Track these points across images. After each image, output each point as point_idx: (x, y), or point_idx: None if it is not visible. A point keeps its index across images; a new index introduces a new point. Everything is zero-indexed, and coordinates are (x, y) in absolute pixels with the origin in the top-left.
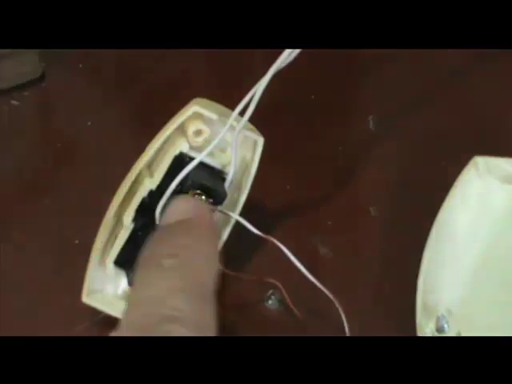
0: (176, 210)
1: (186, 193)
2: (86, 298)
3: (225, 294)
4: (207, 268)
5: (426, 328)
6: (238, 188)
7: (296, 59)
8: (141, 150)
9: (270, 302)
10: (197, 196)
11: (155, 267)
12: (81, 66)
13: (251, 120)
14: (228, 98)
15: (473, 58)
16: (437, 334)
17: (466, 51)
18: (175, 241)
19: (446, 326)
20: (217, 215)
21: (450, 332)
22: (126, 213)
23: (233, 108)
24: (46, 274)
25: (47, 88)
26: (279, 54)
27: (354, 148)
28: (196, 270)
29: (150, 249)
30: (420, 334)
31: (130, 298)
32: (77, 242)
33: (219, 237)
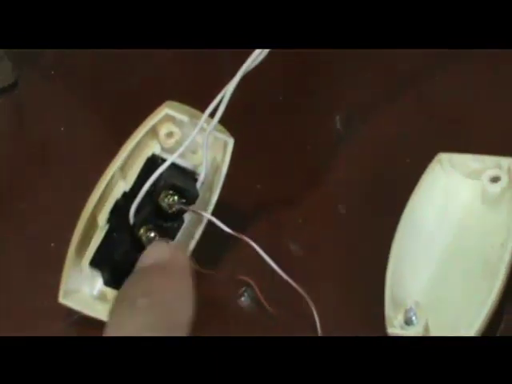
0: (151, 254)
1: (159, 193)
2: (63, 299)
3: (198, 292)
4: (181, 306)
5: (394, 320)
6: (210, 188)
7: (264, 60)
8: (114, 152)
9: (242, 299)
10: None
11: (129, 307)
12: (53, 72)
13: (221, 121)
14: (199, 101)
15: (435, 57)
16: (405, 326)
17: (427, 51)
18: (149, 281)
19: (414, 317)
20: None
21: (418, 323)
22: (101, 214)
23: (203, 110)
24: (21, 276)
25: (20, 95)
26: (247, 55)
27: (322, 147)
28: (170, 308)
29: (125, 290)
30: (389, 326)
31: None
32: (52, 244)
33: (194, 278)
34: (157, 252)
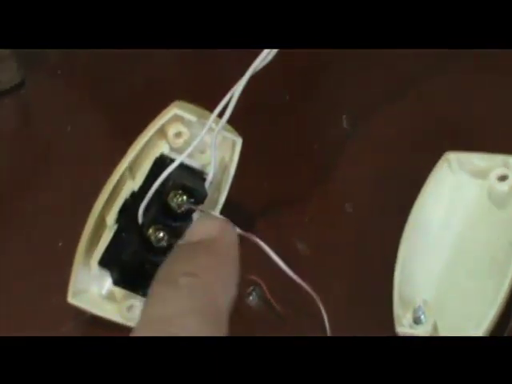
0: (200, 229)
1: (168, 193)
2: (72, 299)
3: None
4: (224, 292)
5: (403, 319)
6: (218, 187)
7: (271, 60)
8: (122, 152)
9: (251, 298)
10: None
11: (171, 284)
12: (59, 72)
13: (229, 121)
14: (207, 101)
15: (436, 56)
16: (414, 325)
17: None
18: (196, 260)
19: (422, 316)
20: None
21: (427, 322)
22: (110, 214)
23: (212, 110)
24: (30, 276)
25: (27, 94)
26: (254, 55)
27: (329, 146)
28: (213, 292)
29: (169, 264)
30: (398, 325)
31: (141, 313)
32: (61, 244)
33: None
34: (205, 227)
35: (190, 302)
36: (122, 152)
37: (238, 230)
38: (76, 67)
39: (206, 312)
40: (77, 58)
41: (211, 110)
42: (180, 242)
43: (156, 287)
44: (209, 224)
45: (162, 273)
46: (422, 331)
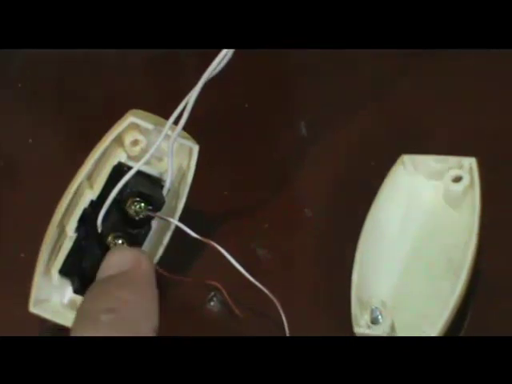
0: (112, 263)
1: (126, 201)
2: (33, 308)
3: (167, 297)
4: (146, 322)
5: (361, 320)
6: (177, 194)
7: (229, 67)
8: (80, 163)
9: (211, 303)
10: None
11: (92, 322)
12: (20, 85)
13: (186, 128)
14: (163, 108)
15: (395, 58)
16: (371, 326)
17: (387, 52)
18: (112, 295)
19: (379, 317)
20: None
21: (384, 322)
22: (69, 223)
23: (168, 117)
24: None
25: None
26: (211, 61)
27: (288, 153)
28: (135, 325)
29: (87, 303)
30: (355, 326)
31: None
32: (22, 255)
33: (156, 287)
34: (118, 260)
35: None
36: (82, 162)
37: (198, 236)
38: (36, 80)
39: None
40: (37, 71)
41: (168, 117)
42: (97, 276)
43: (78, 327)
44: (121, 257)
45: (82, 311)
46: (379, 331)
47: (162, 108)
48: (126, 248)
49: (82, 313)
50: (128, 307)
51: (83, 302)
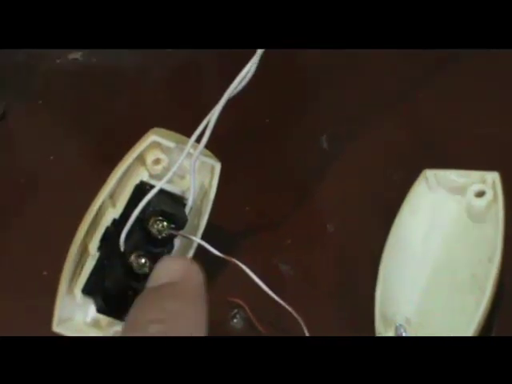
0: (162, 273)
1: (148, 219)
2: (57, 327)
3: None
4: (195, 335)
5: None
6: (199, 212)
7: (249, 83)
8: (103, 180)
9: (235, 320)
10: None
11: (140, 332)
12: (40, 102)
13: (208, 146)
14: (185, 126)
15: (421, 70)
16: None
17: (413, 64)
18: (162, 305)
19: (404, 334)
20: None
21: None
22: (92, 242)
23: (190, 136)
24: (16, 306)
25: (8, 126)
26: (233, 79)
27: (309, 167)
28: (183, 335)
29: (136, 313)
30: None
31: None
32: (45, 273)
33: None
34: (169, 269)
35: None
36: (104, 180)
37: (220, 254)
38: (57, 97)
39: None
40: (58, 87)
41: (190, 135)
42: (147, 285)
43: (127, 334)
44: (172, 267)
45: (131, 321)
46: None
47: (184, 126)
48: (177, 257)
49: (130, 321)
50: (177, 319)
51: (133, 309)
